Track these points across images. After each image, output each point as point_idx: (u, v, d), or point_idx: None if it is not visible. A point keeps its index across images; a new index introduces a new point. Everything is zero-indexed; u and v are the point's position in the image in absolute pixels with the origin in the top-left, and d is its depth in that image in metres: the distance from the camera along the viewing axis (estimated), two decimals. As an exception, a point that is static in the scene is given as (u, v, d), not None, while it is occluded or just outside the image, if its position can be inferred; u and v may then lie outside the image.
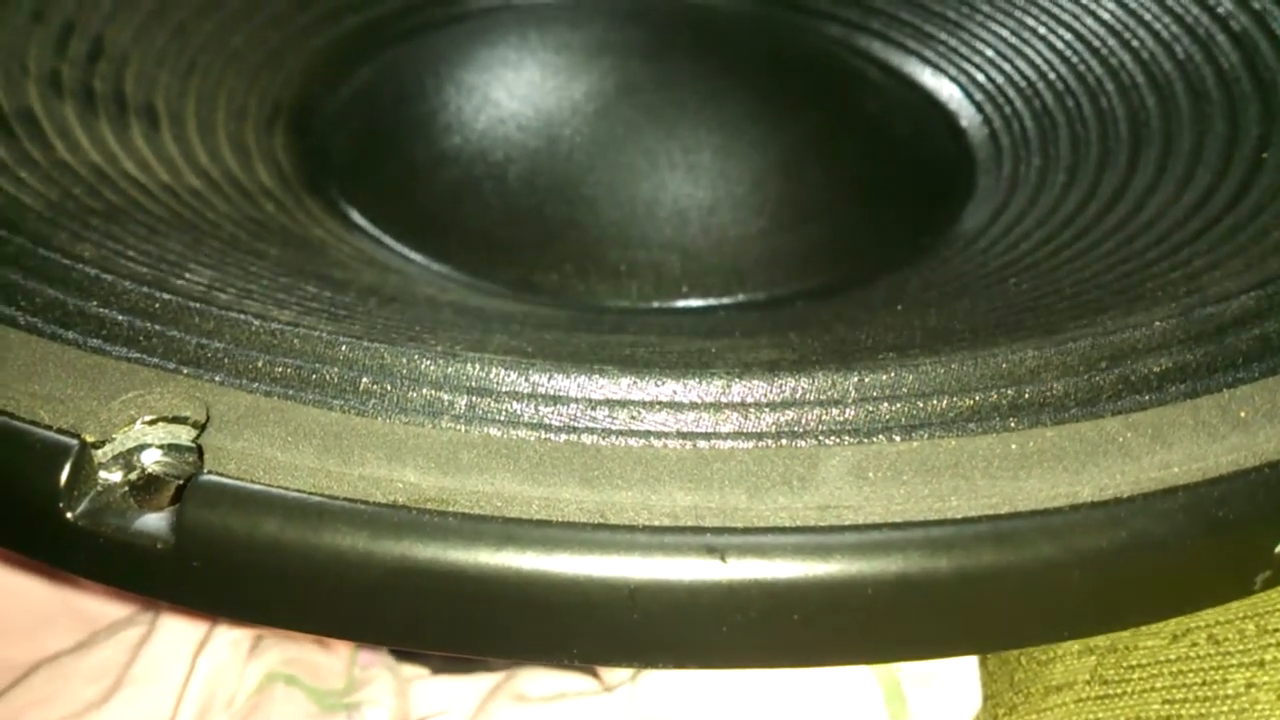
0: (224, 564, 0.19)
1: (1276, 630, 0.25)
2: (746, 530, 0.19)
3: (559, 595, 0.19)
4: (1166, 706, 0.25)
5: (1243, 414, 0.22)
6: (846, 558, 0.19)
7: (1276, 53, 0.39)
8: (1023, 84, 0.47)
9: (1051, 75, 0.46)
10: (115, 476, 0.20)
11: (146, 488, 0.20)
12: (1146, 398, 0.22)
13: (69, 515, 0.20)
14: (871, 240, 0.40)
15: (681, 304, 0.36)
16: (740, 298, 0.37)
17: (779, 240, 0.39)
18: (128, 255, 0.27)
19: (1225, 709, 0.24)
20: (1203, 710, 0.25)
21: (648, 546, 0.19)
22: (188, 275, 0.26)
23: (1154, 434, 0.21)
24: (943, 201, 0.42)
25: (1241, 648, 0.25)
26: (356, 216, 0.38)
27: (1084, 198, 0.38)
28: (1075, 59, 0.46)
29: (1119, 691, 0.26)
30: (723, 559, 0.19)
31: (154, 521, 0.19)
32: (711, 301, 0.36)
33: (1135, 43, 0.44)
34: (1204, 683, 0.25)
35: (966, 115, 0.47)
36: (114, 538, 0.19)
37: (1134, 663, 0.26)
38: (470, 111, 0.41)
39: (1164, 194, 0.36)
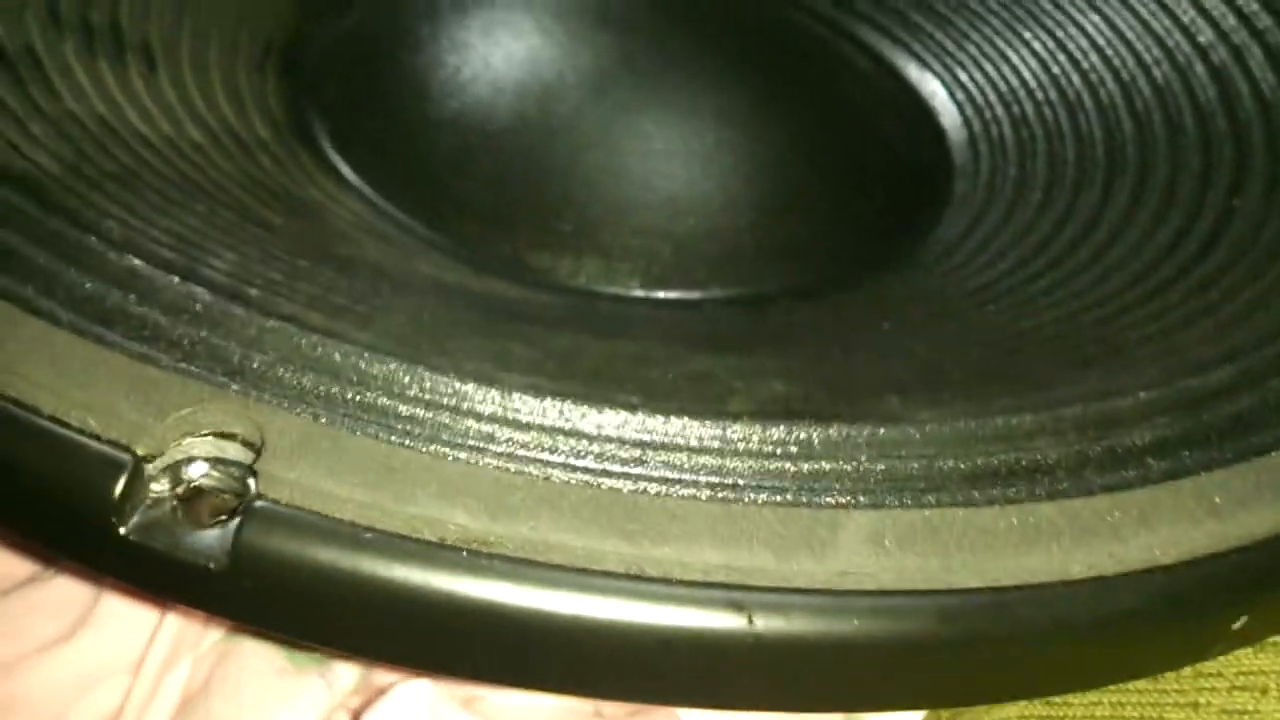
0: (276, 588, 0.20)
1: (1211, 674, 0.27)
2: (772, 590, 0.21)
3: (599, 640, 0.20)
4: (1107, 738, 0.28)
5: (1218, 500, 0.24)
6: (863, 621, 0.21)
7: (1254, 93, 0.41)
8: (1004, 88, 0.48)
9: (1032, 83, 0.47)
10: (164, 490, 0.21)
11: (191, 501, 0.21)
12: (1131, 473, 0.24)
13: (121, 529, 0.20)
14: (855, 241, 0.41)
15: (672, 295, 0.37)
16: (728, 292, 0.38)
17: (766, 234, 0.40)
18: (151, 234, 0.27)
19: (1163, 748, 0.27)
20: (1141, 746, 0.27)
21: (682, 600, 0.20)
22: (212, 262, 0.26)
23: (1140, 516, 0.23)
24: (923, 205, 0.43)
25: (1178, 688, 0.28)
26: (350, 175, 0.39)
27: (1059, 220, 0.40)
28: (1056, 69, 0.47)
29: (1061, 715, 0.29)
30: (750, 620, 0.20)
31: (207, 540, 0.20)
32: (700, 295, 0.38)
33: (1116, 61, 0.45)
34: (1140, 718, 0.28)
35: (948, 115, 0.48)
36: (166, 554, 0.20)
37: (1077, 695, 0.28)
38: (468, 75, 0.41)
39: (1138, 229, 0.38)
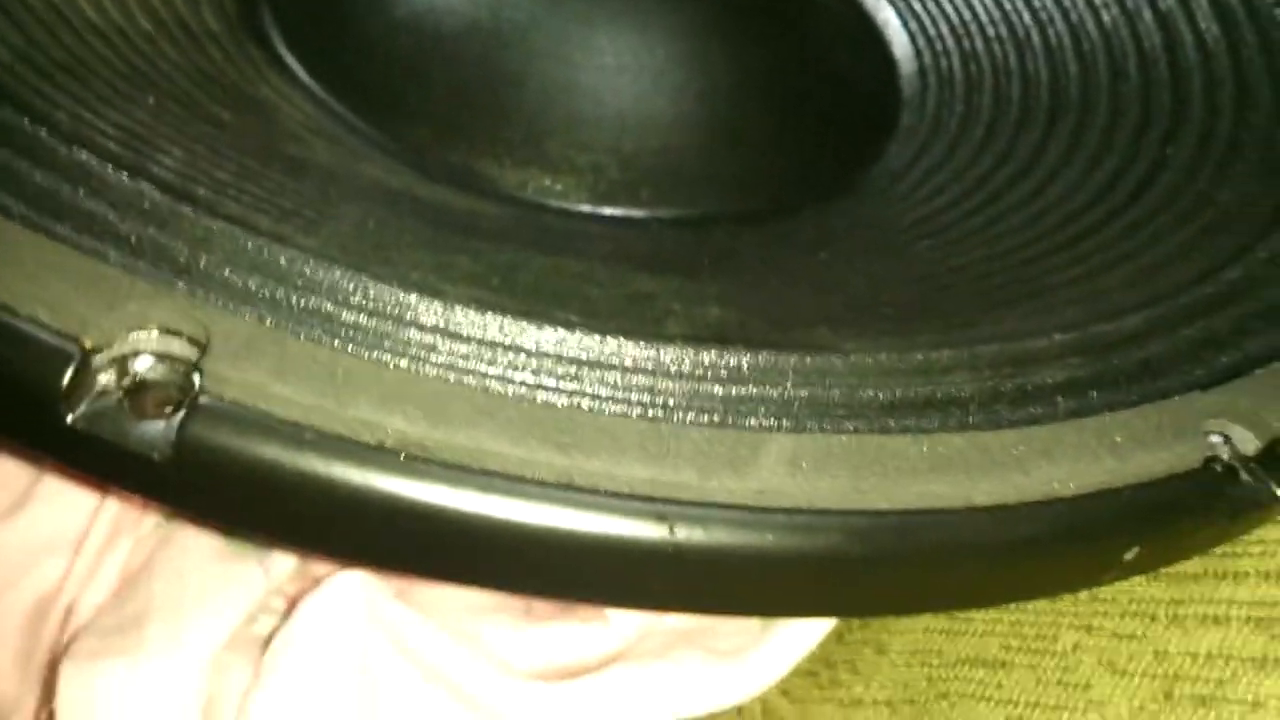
0: (218, 480, 0.21)
1: (1106, 600, 0.29)
2: (694, 504, 0.22)
3: (531, 543, 0.21)
4: (1002, 652, 0.30)
5: (1118, 439, 0.25)
6: (777, 535, 0.22)
7: (1196, 43, 0.42)
8: (956, 21, 0.48)
9: (984, 18, 0.48)
10: (111, 381, 0.21)
11: (137, 393, 0.22)
12: (1040, 410, 0.26)
13: (68, 418, 0.21)
14: (800, 166, 0.42)
15: (617, 212, 0.38)
16: (673, 212, 0.39)
17: (714, 156, 0.41)
18: (100, 128, 0.27)
19: (1053, 664, 0.29)
20: (1033, 661, 0.29)
21: (609, 509, 0.21)
22: (161, 158, 0.27)
23: (1044, 450, 0.24)
24: (870, 135, 0.44)
25: (1074, 610, 0.29)
26: (302, 74, 0.39)
27: (999, 158, 0.41)
28: (1009, 5, 0.48)
29: (963, 630, 0.31)
30: (671, 530, 0.21)
31: (152, 432, 0.21)
32: (645, 213, 0.38)
33: (1067, 2, 0.46)
34: (1038, 636, 0.29)
35: (900, 45, 0.48)
36: (111, 443, 0.21)
37: (979, 612, 0.30)
38: (424, -23, 0.41)
39: (1074, 171, 0.39)
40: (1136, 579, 0.28)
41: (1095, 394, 0.26)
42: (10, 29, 0.29)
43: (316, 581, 0.32)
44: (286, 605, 0.32)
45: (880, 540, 0.23)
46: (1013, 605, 0.31)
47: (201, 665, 0.30)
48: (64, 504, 0.36)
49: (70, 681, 0.30)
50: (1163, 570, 0.28)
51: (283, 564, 0.35)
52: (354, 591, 0.30)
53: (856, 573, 0.23)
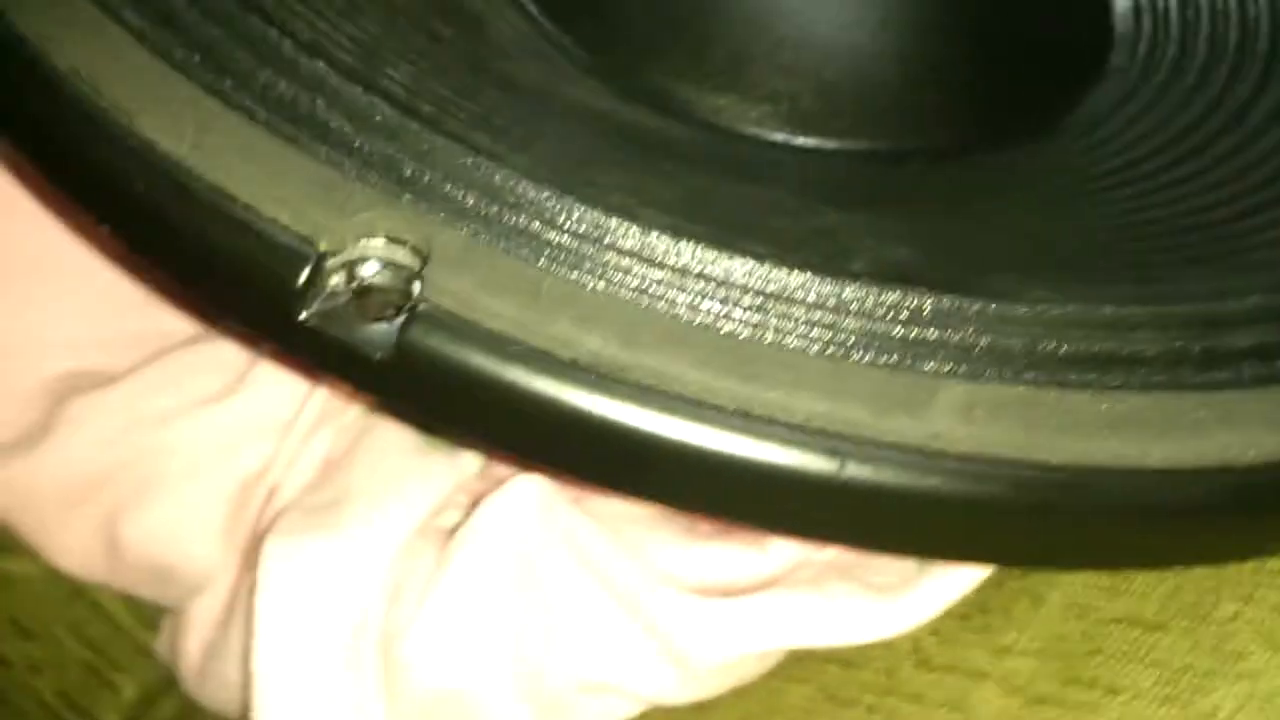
0: (431, 382, 0.23)
1: (1273, 572, 0.29)
2: (866, 442, 0.23)
3: (705, 466, 0.23)
4: (1160, 614, 0.30)
5: (1301, 410, 0.25)
6: (945, 480, 0.23)
7: None
8: (1179, -42, 0.46)
9: (1208, -43, 0.46)
10: (341, 283, 0.23)
11: (364, 296, 0.24)
12: (1225, 375, 0.26)
13: (301, 315, 0.23)
14: (1000, 105, 0.41)
15: (809, 142, 0.38)
16: (866, 145, 0.39)
17: (913, 89, 0.41)
18: (335, 39, 0.29)
19: (1210, 631, 0.29)
20: (1190, 626, 0.29)
21: (783, 440, 0.23)
22: (390, 73, 0.29)
23: (1224, 416, 0.24)
24: (1076, 74, 0.43)
25: (1236, 579, 0.29)
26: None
27: (1208, 107, 0.40)
28: (1235, -56, 0.46)
29: (1123, 589, 0.31)
30: (842, 465, 0.22)
31: (375, 333, 0.23)
32: (837, 144, 0.39)
33: (1297, -58, 0.44)
34: (1196, 602, 0.30)
35: (1116, -21, 0.47)
36: (338, 341, 0.23)
37: (1140, 574, 0.30)
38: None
39: (1286, 125, 0.38)
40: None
41: (1282, 362, 0.26)
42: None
43: (499, 482, 0.34)
44: (470, 501, 0.35)
45: (1049, 494, 0.23)
46: (1176, 570, 0.31)
47: (392, 549, 0.33)
48: (275, 390, 0.38)
49: (273, 554, 0.33)
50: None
51: (470, 463, 0.37)
52: (532, 495, 0.32)
53: (1022, 524, 0.24)
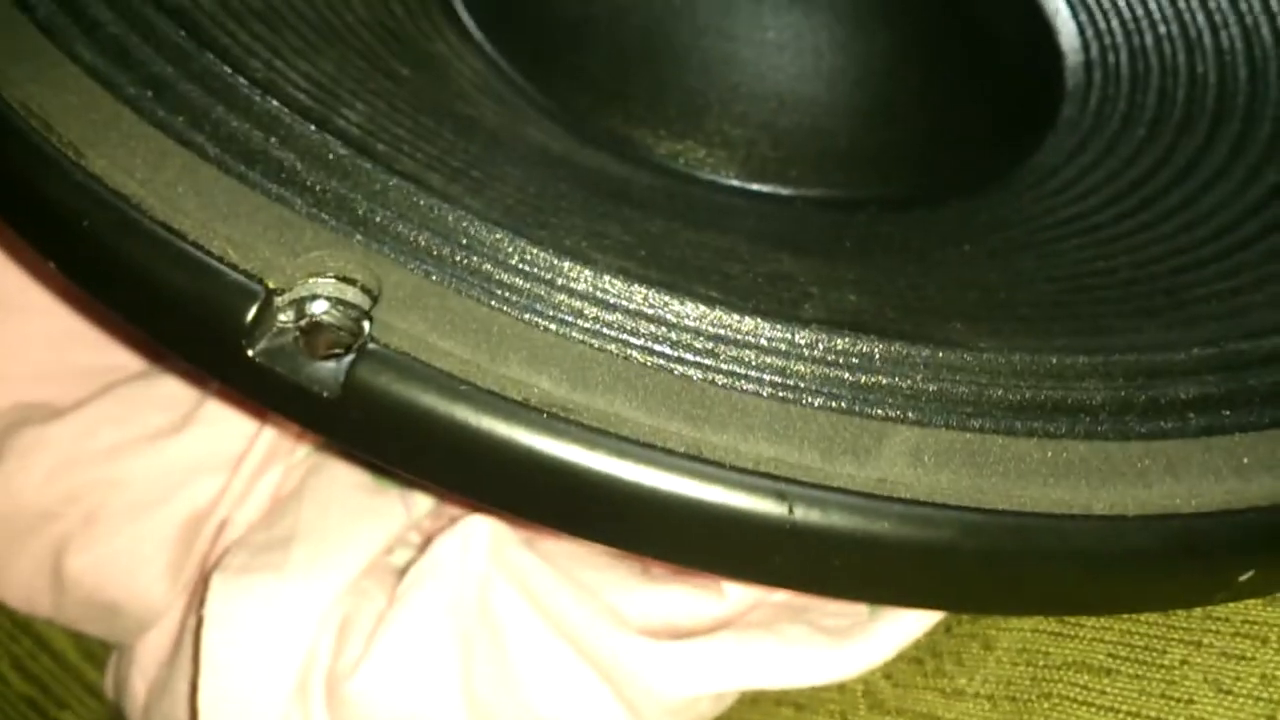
0: (379, 421, 0.23)
1: (1219, 619, 0.29)
2: (814, 486, 0.23)
3: (656, 508, 0.23)
4: (1109, 659, 0.30)
5: (1245, 460, 0.25)
6: (892, 524, 0.23)
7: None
8: (1127, 15, 0.47)
9: (1156, 14, 0.47)
10: (289, 321, 0.23)
11: (312, 334, 0.23)
12: (1169, 424, 0.26)
13: (249, 351, 0.23)
14: (952, 154, 0.42)
15: (765, 188, 0.39)
16: (820, 192, 0.39)
17: (867, 139, 0.41)
18: (291, 78, 0.29)
19: (1159, 676, 0.29)
20: (1139, 672, 0.29)
21: (733, 483, 0.23)
22: (345, 112, 0.29)
23: (1168, 465, 0.25)
24: (1028, 126, 0.43)
25: (1185, 626, 0.30)
26: (475, 31, 0.40)
27: (1157, 162, 0.41)
28: (1183, 4, 0.47)
29: (1072, 634, 0.31)
30: (790, 510, 0.23)
31: (323, 371, 0.23)
32: (792, 191, 0.39)
33: (1243, 5, 0.45)
34: (1146, 647, 0.30)
35: (1067, 35, 0.48)
36: (286, 378, 0.23)
37: (1089, 619, 0.31)
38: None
39: (1232, 181, 0.38)
40: (1251, 601, 0.28)
41: (1227, 413, 0.26)
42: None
43: (452, 520, 0.33)
44: (422, 540, 0.35)
45: (996, 539, 0.23)
46: (1123, 615, 0.31)
47: (341, 588, 0.32)
48: (225, 427, 0.38)
49: (219, 592, 0.33)
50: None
51: (422, 501, 0.37)
52: (484, 535, 0.32)
53: (969, 569, 0.24)
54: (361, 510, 0.35)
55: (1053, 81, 0.46)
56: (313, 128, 0.26)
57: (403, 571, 0.34)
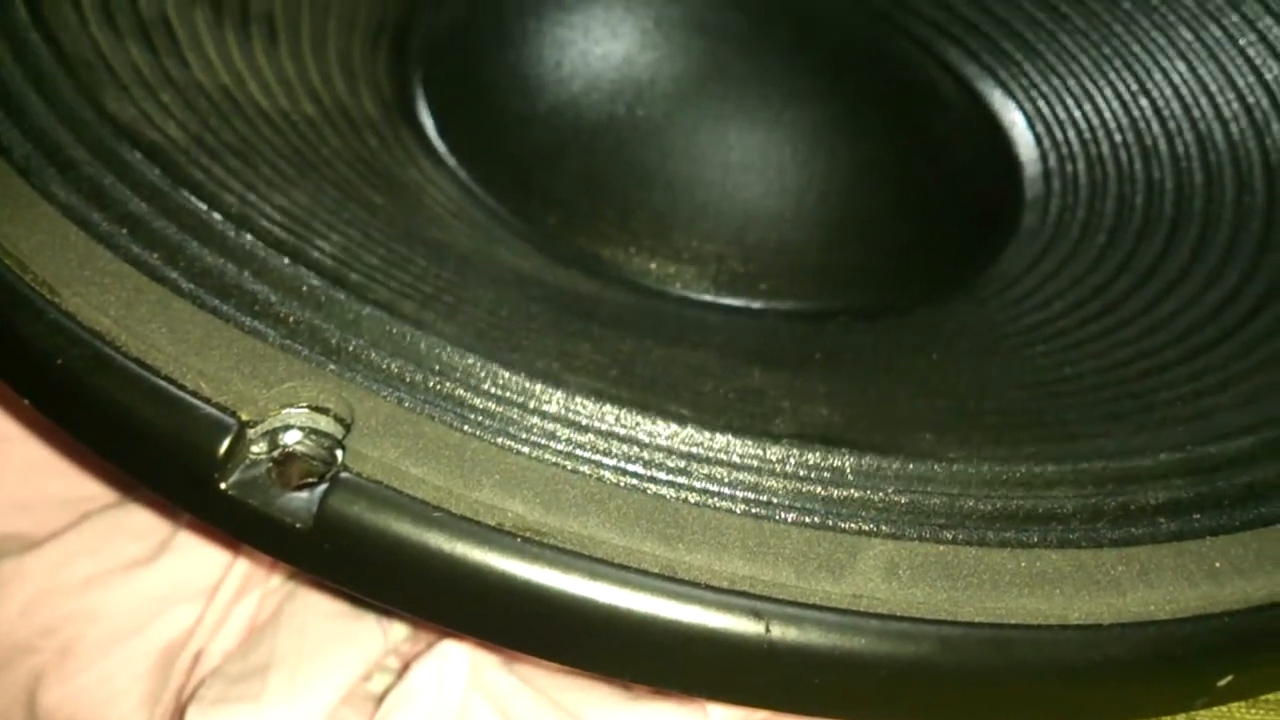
0: (352, 552, 0.23)
1: None
2: (790, 604, 0.23)
3: (631, 630, 0.23)
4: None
5: (1217, 564, 0.25)
6: (870, 640, 0.23)
7: (1326, 160, 0.42)
8: (1083, 126, 0.49)
9: (1112, 124, 0.48)
10: (262, 452, 0.23)
11: (284, 464, 0.24)
12: (1140, 530, 0.26)
13: (222, 484, 0.23)
14: (917, 264, 0.43)
15: (736, 302, 0.39)
16: (789, 305, 0.40)
17: (833, 252, 0.42)
18: (265, 211, 0.29)
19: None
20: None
21: (708, 603, 0.23)
22: (319, 243, 0.29)
23: (1141, 572, 0.25)
24: (990, 235, 0.44)
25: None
26: (448, 157, 0.41)
27: (1118, 267, 0.41)
28: (1137, 113, 0.48)
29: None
30: (767, 628, 0.22)
31: (296, 503, 0.23)
32: (762, 305, 0.40)
33: (1195, 111, 0.46)
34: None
35: (1025, 146, 0.49)
36: (259, 510, 0.23)
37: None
38: (566, 71, 0.44)
39: (1192, 285, 0.39)
40: (1235, 704, 0.28)
41: (1198, 517, 0.27)
42: (187, 113, 0.32)
43: (430, 644, 0.33)
44: (400, 665, 0.34)
45: (973, 652, 0.23)
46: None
47: (318, 717, 0.32)
48: (198, 556, 0.38)
49: (195, 725, 0.32)
50: (1262, 697, 0.28)
51: (400, 625, 0.37)
52: (463, 658, 0.32)
53: (948, 683, 0.24)
54: (338, 636, 0.34)
55: (1012, 191, 0.47)
56: (286, 260, 0.27)
57: (381, 698, 0.33)
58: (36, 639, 0.37)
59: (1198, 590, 0.25)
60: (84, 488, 0.42)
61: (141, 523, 0.40)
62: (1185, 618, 0.25)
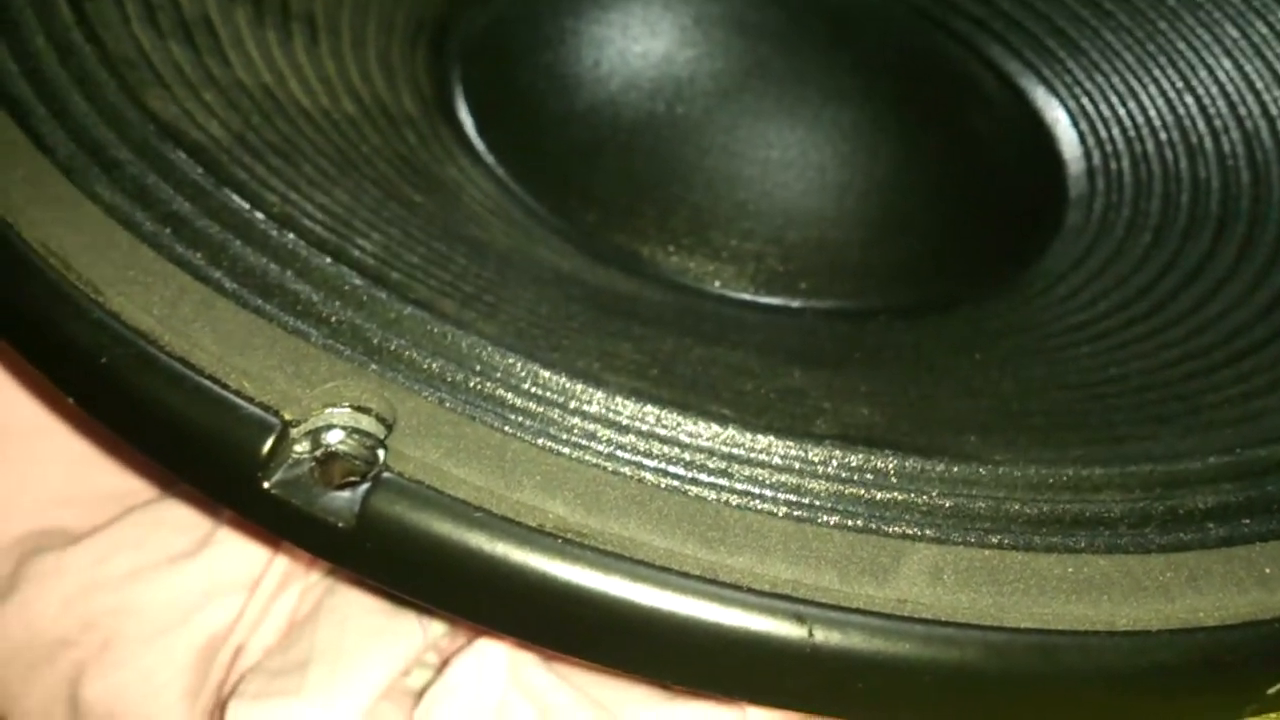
0: (394, 550, 0.23)
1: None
2: (833, 608, 0.23)
3: (672, 633, 0.22)
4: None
5: (1268, 570, 0.25)
6: (914, 646, 0.23)
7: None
8: (1128, 124, 0.48)
9: (1157, 122, 0.48)
10: (305, 451, 0.23)
11: (327, 464, 0.24)
12: (1189, 536, 0.26)
13: (265, 483, 0.23)
14: (961, 262, 0.43)
15: (775, 301, 0.39)
16: (830, 303, 0.40)
17: (874, 249, 0.42)
18: (307, 210, 0.29)
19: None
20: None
21: (750, 606, 0.22)
22: (360, 242, 0.29)
23: (1190, 578, 0.24)
24: (1034, 233, 0.44)
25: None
26: (487, 155, 0.41)
27: (1164, 266, 0.41)
28: (1182, 110, 0.48)
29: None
30: (810, 632, 0.22)
31: (338, 502, 0.23)
32: (802, 303, 0.39)
33: (1242, 109, 0.46)
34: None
35: (1069, 144, 0.49)
36: (301, 509, 0.23)
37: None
38: (605, 70, 0.43)
39: (1239, 285, 0.39)
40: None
41: (1247, 521, 0.26)
42: (230, 112, 0.32)
43: (469, 640, 0.33)
44: (439, 661, 0.34)
45: (1019, 658, 0.23)
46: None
47: (358, 712, 0.32)
48: (239, 551, 0.38)
49: (236, 718, 0.32)
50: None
51: (438, 622, 0.37)
52: (502, 655, 0.32)
53: (993, 690, 0.23)
54: (378, 631, 0.34)
55: (1056, 189, 0.47)
56: (328, 259, 0.27)
57: (420, 694, 0.33)
58: (78, 633, 0.37)
59: (1247, 596, 0.24)
60: (125, 482, 0.42)
61: (183, 518, 0.40)
62: (1234, 624, 0.24)
